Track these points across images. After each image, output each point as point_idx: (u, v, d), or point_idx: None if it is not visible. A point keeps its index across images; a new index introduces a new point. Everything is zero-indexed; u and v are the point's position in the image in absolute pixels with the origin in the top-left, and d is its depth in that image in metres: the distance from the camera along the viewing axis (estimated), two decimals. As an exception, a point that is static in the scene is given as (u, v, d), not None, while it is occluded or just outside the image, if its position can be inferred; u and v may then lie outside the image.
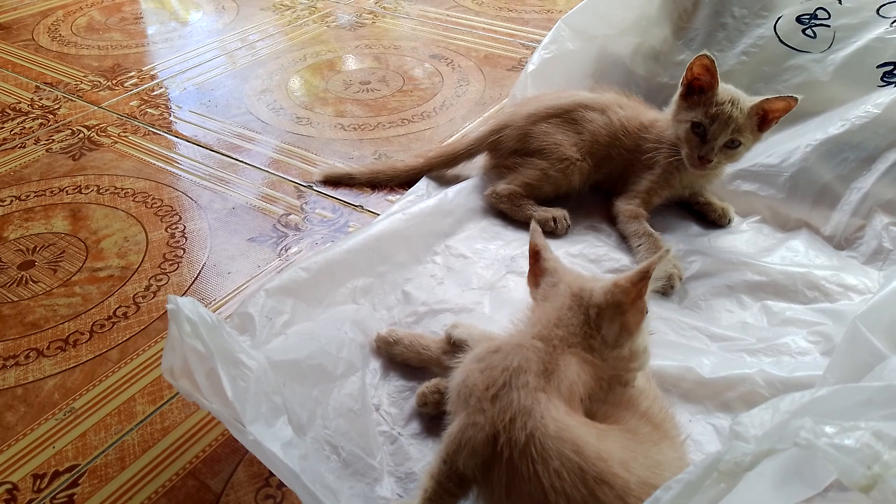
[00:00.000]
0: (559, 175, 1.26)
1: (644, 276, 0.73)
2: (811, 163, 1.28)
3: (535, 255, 0.84)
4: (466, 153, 1.35)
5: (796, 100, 1.13)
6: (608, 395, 0.78)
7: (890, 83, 1.31)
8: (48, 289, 1.15)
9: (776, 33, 1.44)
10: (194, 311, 0.77)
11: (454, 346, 0.94)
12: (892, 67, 1.33)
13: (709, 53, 1.15)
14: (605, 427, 0.71)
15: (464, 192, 1.31)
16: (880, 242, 1.19)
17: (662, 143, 1.24)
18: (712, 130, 1.15)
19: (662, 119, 1.26)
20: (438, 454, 0.72)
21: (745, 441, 0.61)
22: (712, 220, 1.28)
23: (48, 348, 1.04)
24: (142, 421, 0.92)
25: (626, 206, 1.24)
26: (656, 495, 0.63)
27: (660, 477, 0.68)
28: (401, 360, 0.99)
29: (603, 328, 0.75)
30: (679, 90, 1.20)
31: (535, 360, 0.72)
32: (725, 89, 1.16)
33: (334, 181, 1.41)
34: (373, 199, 1.36)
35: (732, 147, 1.17)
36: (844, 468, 0.54)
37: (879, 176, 1.23)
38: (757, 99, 1.15)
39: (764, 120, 1.16)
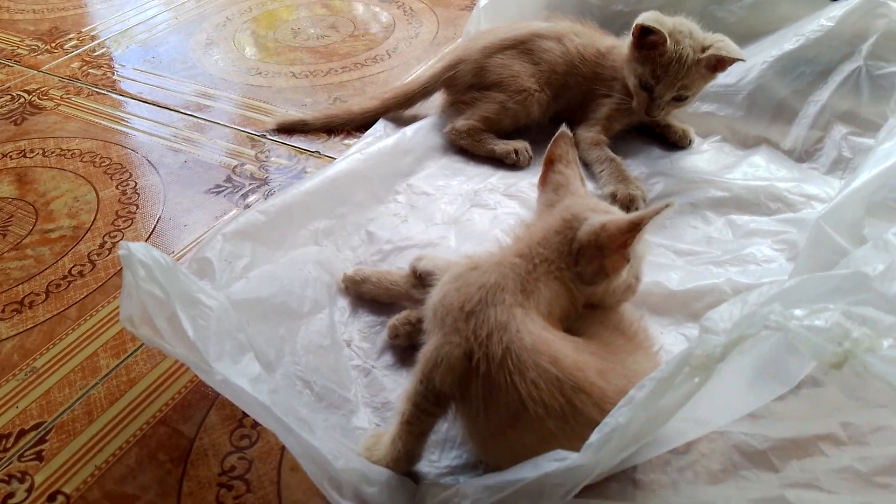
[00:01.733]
0: (518, 107, 1.24)
1: (634, 228, 0.71)
2: (768, 80, 1.28)
3: (549, 164, 0.82)
4: (422, 91, 1.32)
5: (744, 60, 1.13)
6: (583, 312, 0.78)
7: (841, -3, 1.31)
8: (-2, 253, 1.11)
9: (726, -47, 1.43)
10: (147, 254, 0.74)
11: (420, 278, 0.92)
12: (843, -19, 1.32)
13: (650, 23, 1.10)
14: (581, 341, 0.71)
15: (422, 131, 1.29)
16: (840, 152, 1.20)
17: (618, 77, 1.22)
18: (658, 89, 1.15)
19: (619, 46, 1.24)
20: (414, 376, 0.71)
21: (715, 334, 0.61)
22: (673, 142, 1.27)
23: (3, 311, 1.00)
24: (106, 374, 0.90)
25: (586, 134, 1.23)
26: (630, 394, 0.63)
27: (636, 385, 0.68)
28: (369, 297, 0.97)
29: (580, 264, 0.74)
30: (630, 39, 1.17)
31: (512, 278, 0.71)
32: (677, 33, 1.12)
33: (288, 128, 1.37)
34: (329, 144, 1.33)
35: (680, 100, 1.17)
36: (815, 347, 0.54)
37: (835, 88, 1.24)
38: (708, 45, 1.13)
39: (717, 66, 1.15)
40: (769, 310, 0.57)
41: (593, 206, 0.78)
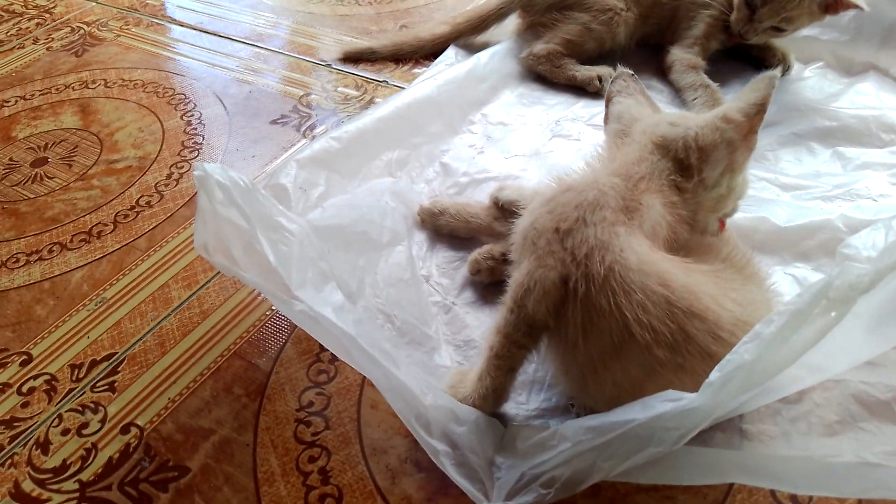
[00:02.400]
0: (602, 28, 1.15)
1: (761, 109, 0.66)
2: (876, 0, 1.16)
3: (608, 102, 0.76)
4: (497, 13, 1.24)
5: (864, 9, 1.02)
6: (688, 243, 0.71)
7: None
8: (65, 184, 1.08)
9: None
10: (225, 175, 0.69)
11: (503, 209, 0.86)
12: None
13: None
14: (692, 264, 0.64)
15: (497, 57, 1.21)
16: (959, 79, 1.08)
17: None
18: (762, 11, 1.05)
19: None
20: (504, 305, 0.65)
21: (858, 262, 0.54)
22: (770, 65, 1.17)
23: (71, 241, 0.98)
24: (178, 306, 0.87)
25: (683, 55, 1.13)
26: (756, 330, 0.56)
27: (752, 315, 0.61)
28: (448, 231, 0.92)
29: (705, 171, 0.67)
30: None
31: (612, 196, 0.64)
32: None
33: (354, 58, 1.31)
34: (398, 73, 1.26)
35: (779, 30, 1.07)
36: None
37: (955, 8, 1.12)
38: None
39: (829, 7, 1.04)
40: None
41: (673, 121, 0.70)
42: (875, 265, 0.52)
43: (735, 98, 0.70)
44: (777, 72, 0.68)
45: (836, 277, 0.53)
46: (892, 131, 1.02)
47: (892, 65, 1.14)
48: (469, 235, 0.91)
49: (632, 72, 0.78)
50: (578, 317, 0.61)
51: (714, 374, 0.56)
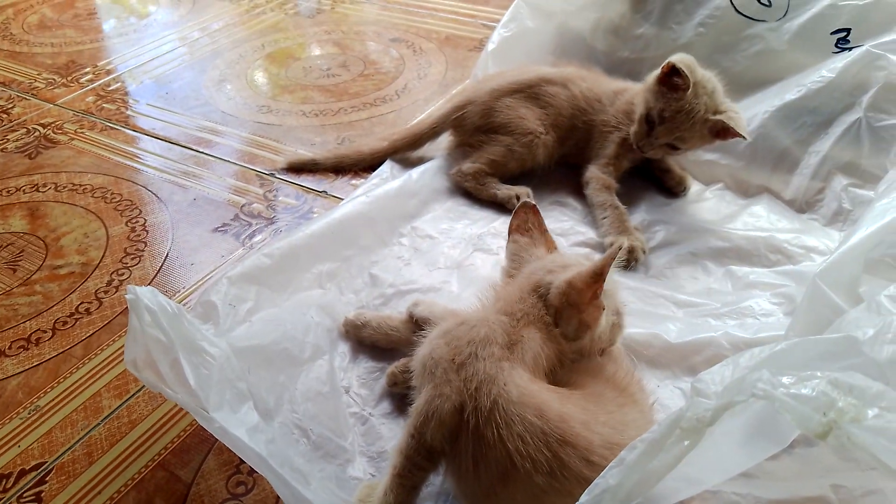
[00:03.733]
0: (524, 150, 1.26)
1: (598, 277, 0.72)
2: (770, 129, 1.29)
3: (509, 235, 0.85)
4: (430, 132, 1.34)
5: (746, 138, 1.13)
6: (575, 364, 0.79)
7: (844, 49, 1.33)
8: (8, 288, 1.13)
9: (732, 3, 1.44)
10: (154, 300, 0.75)
11: (417, 324, 0.93)
12: (845, 34, 1.34)
13: (682, 66, 1.11)
14: (567, 391, 0.72)
15: (428, 173, 1.31)
16: (840, 204, 1.20)
17: (624, 121, 1.24)
18: (658, 130, 1.16)
19: (629, 89, 1.27)
20: (406, 429, 0.72)
21: (706, 397, 0.62)
22: (669, 187, 1.29)
23: (10, 348, 1.02)
24: (108, 415, 0.91)
25: (599, 174, 1.24)
26: (621, 456, 0.63)
27: (624, 436, 0.68)
28: (370, 342, 0.98)
29: (561, 325, 0.75)
30: (658, 72, 1.17)
31: (500, 332, 0.72)
32: (700, 87, 1.13)
33: (298, 168, 1.39)
34: (337, 185, 1.35)
35: (673, 148, 1.19)
36: (801, 416, 0.55)
37: (836, 139, 1.25)
38: (722, 111, 1.14)
39: (719, 133, 1.15)
40: (757, 376, 0.58)
41: (551, 267, 0.78)
42: (718, 401, 0.60)
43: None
44: (624, 241, 0.75)
45: (686, 410, 0.61)
46: (778, 252, 1.13)
47: (783, 188, 1.27)
48: (390, 347, 0.98)
49: (533, 203, 0.87)
50: (470, 447, 0.67)
51: (584, 498, 0.62)
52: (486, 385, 0.67)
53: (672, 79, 1.15)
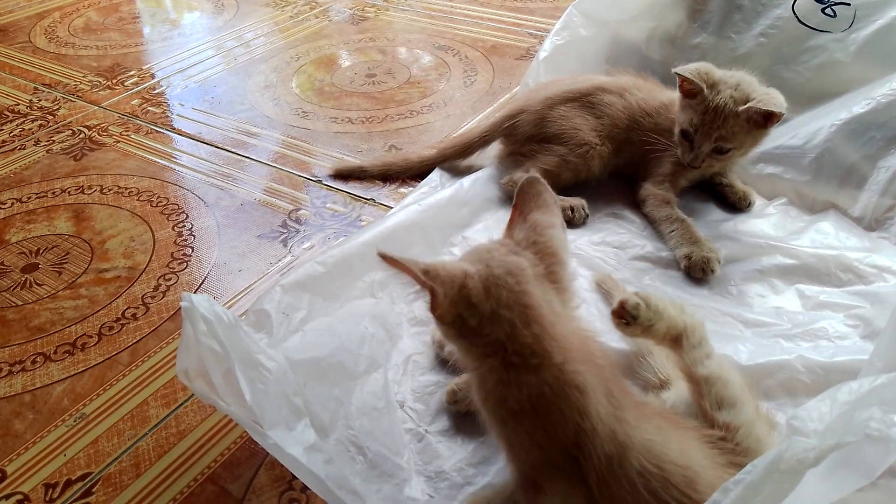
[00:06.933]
0: (578, 161, 1.22)
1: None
2: (836, 143, 1.24)
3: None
4: (481, 141, 1.31)
5: (781, 113, 1.08)
6: None
7: (914, 61, 1.28)
8: (53, 291, 1.11)
9: (794, 13, 1.40)
10: (210, 308, 0.73)
11: None
12: (915, 45, 1.29)
13: (682, 71, 1.12)
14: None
15: (479, 182, 1.27)
16: (913, 222, 1.15)
17: (666, 132, 1.21)
18: (697, 138, 1.13)
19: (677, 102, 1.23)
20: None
21: (804, 435, 0.57)
22: (732, 202, 1.24)
23: (55, 352, 1.00)
24: (156, 425, 0.88)
25: (656, 190, 1.20)
26: (714, 498, 0.59)
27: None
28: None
29: None
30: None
31: None
32: (721, 84, 1.11)
33: (345, 175, 1.37)
34: (384, 192, 1.32)
35: (721, 152, 1.14)
36: (921, 458, 0.50)
37: (907, 154, 1.19)
38: (753, 98, 1.10)
39: (765, 121, 1.11)
40: (868, 415, 0.53)
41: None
42: (824, 441, 0.55)
43: None
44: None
45: (785, 451, 0.56)
46: (849, 271, 1.07)
47: (850, 204, 1.21)
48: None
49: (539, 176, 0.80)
50: None
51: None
52: None
53: (685, 86, 1.14)
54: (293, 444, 0.67)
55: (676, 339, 0.78)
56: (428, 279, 0.65)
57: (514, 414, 0.65)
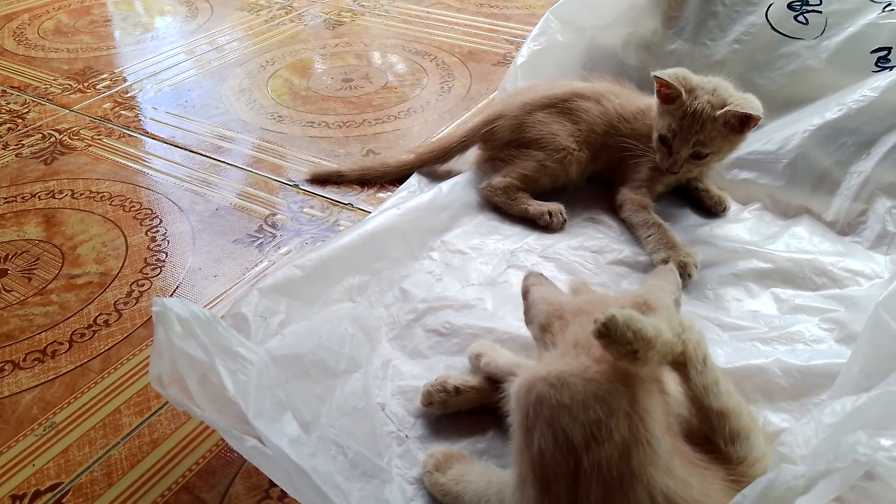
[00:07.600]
0: (556, 166, 1.22)
1: None
2: (809, 149, 1.26)
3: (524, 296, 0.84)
4: (459, 146, 1.31)
5: (758, 116, 1.09)
6: None
7: (884, 68, 1.30)
8: (22, 298, 1.08)
9: (768, 20, 1.42)
10: (185, 309, 0.71)
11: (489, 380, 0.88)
12: (885, 52, 1.31)
13: (661, 75, 1.13)
14: None
15: (458, 187, 1.27)
16: (884, 226, 1.16)
17: (643, 138, 1.22)
18: (675, 143, 1.14)
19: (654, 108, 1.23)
20: None
21: (792, 462, 0.57)
22: (708, 207, 1.25)
23: (24, 360, 0.97)
24: (129, 434, 0.86)
25: (633, 195, 1.20)
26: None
27: None
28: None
29: None
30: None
31: None
32: (698, 89, 1.12)
33: (322, 179, 1.36)
34: (362, 197, 1.31)
35: (700, 158, 1.15)
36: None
37: (879, 159, 1.21)
38: (729, 103, 1.10)
39: (741, 125, 1.12)
40: (854, 440, 0.53)
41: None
42: (812, 466, 0.55)
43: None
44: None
45: (775, 479, 0.55)
46: (823, 275, 1.08)
47: (823, 209, 1.23)
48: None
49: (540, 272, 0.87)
50: None
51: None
52: None
53: (664, 92, 1.14)
54: (278, 436, 0.66)
55: (678, 364, 0.72)
56: None
57: None
